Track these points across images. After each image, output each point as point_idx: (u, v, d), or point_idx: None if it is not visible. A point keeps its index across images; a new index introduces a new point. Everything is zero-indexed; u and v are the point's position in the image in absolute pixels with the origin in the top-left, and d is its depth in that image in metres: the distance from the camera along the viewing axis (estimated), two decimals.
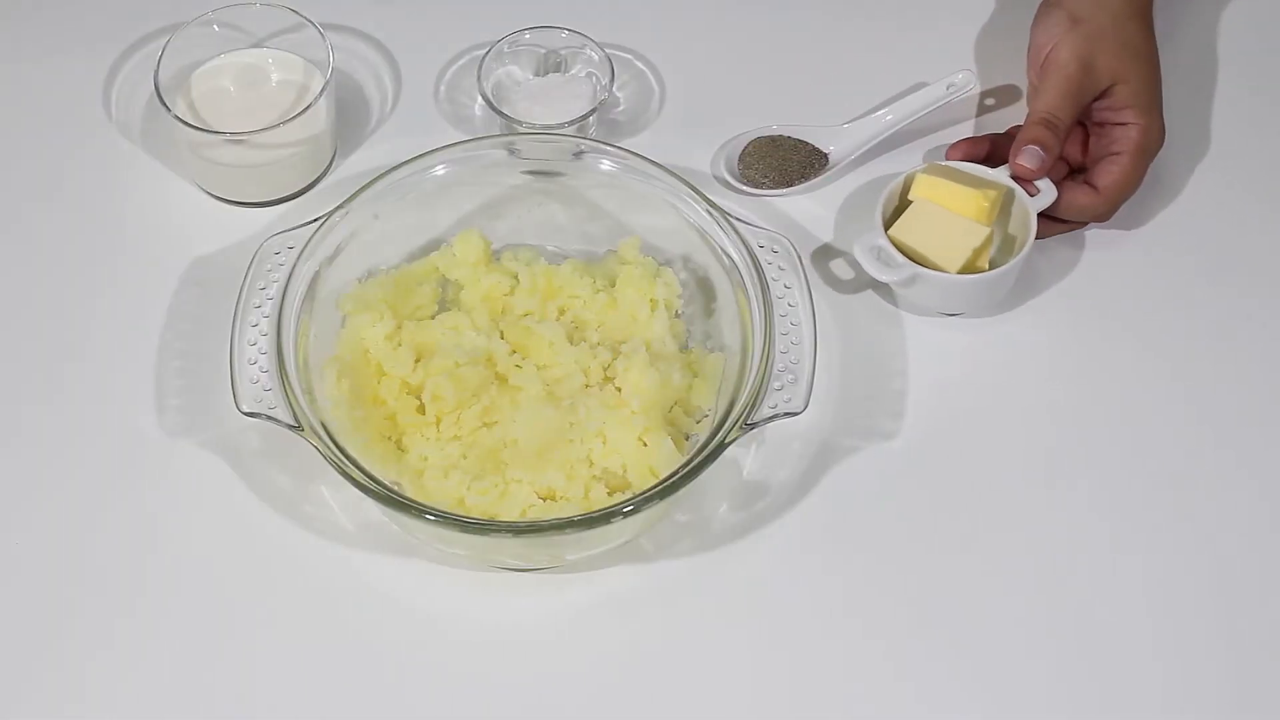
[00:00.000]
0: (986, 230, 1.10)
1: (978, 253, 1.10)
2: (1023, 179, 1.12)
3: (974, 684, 0.98)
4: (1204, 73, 1.26)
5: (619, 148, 1.09)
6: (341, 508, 1.04)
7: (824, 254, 1.16)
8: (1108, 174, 1.12)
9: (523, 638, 1.00)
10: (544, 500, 1.01)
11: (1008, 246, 1.13)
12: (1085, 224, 1.16)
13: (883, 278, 1.10)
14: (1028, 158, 1.11)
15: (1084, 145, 1.16)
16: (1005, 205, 1.13)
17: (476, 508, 0.99)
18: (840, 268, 1.14)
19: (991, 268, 1.11)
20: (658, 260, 1.11)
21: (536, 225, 1.14)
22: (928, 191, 1.12)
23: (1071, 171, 1.16)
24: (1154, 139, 1.14)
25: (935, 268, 1.10)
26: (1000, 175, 1.13)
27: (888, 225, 1.11)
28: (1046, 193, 1.12)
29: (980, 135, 1.17)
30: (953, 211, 1.10)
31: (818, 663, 0.99)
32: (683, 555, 1.03)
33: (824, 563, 1.03)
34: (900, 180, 1.13)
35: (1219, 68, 1.26)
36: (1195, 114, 1.23)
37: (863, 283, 1.13)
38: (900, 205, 1.13)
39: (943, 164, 1.14)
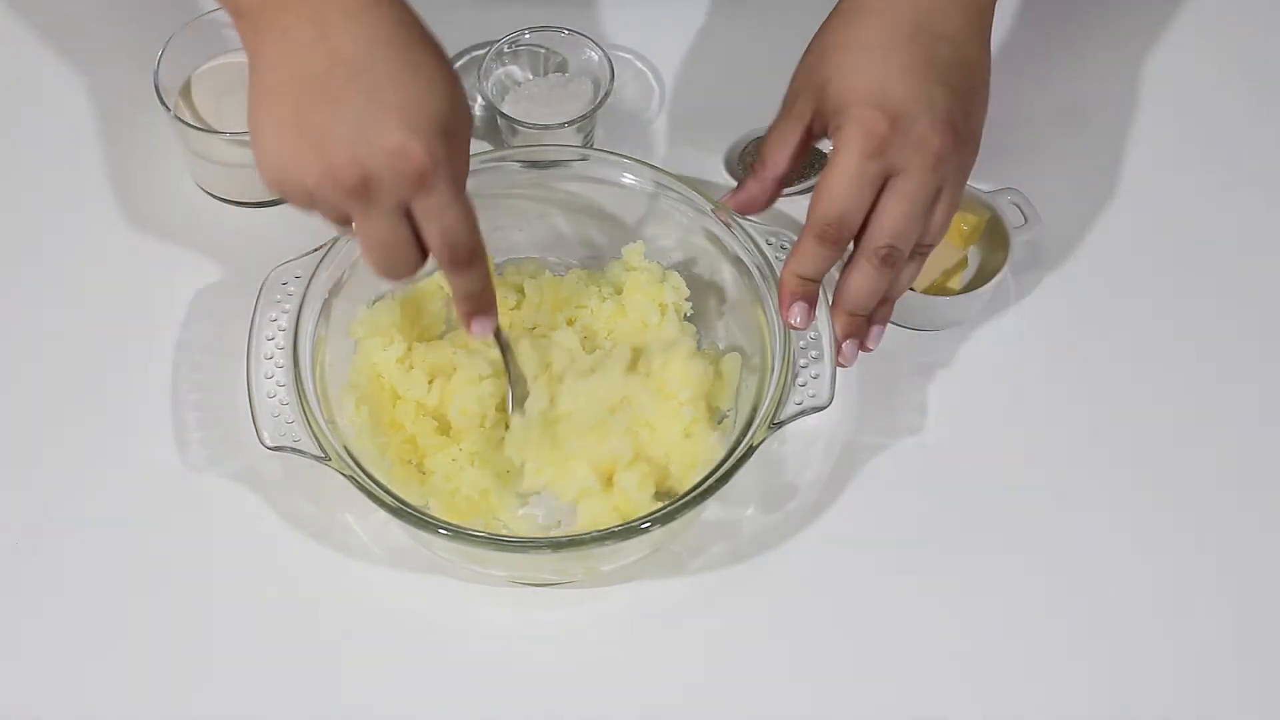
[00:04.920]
0: (960, 253, 1.11)
1: (947, 274, 1.11)
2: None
3: (1026, 684, 1.00)
4: (1190, 70, 1.28)
5: (619, 155, 1.09)
6: (366, 532, 1.04)
7: None
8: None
9: (560, 653, 1.01)
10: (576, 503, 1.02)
11: (985, 273, 1.14)
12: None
13: None
14: (796, 316, 1.00)
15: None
16: (989, 231, 1.13)
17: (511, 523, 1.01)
18: None
19: (965, 290, 1.12)
20: (663, 265, 1.11)
21: (538, 237, 1.14)
22: None
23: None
24: (858, 131, 0.95)
25: None
26: (991, 200, 1.13)
27: None
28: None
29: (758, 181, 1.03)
30: None
31: (863, 668, 1.00)
32: (716, 561, 1.03)
33: (863, 564, 1.04)
34: None
35: (1205, 64, 1.28)
36: (1176, 110, 1.25)
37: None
38: None
39: None
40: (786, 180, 1.03)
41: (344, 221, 0.92)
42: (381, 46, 0.88)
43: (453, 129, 0.89)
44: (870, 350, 1.02)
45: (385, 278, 0.93)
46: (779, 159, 1.00)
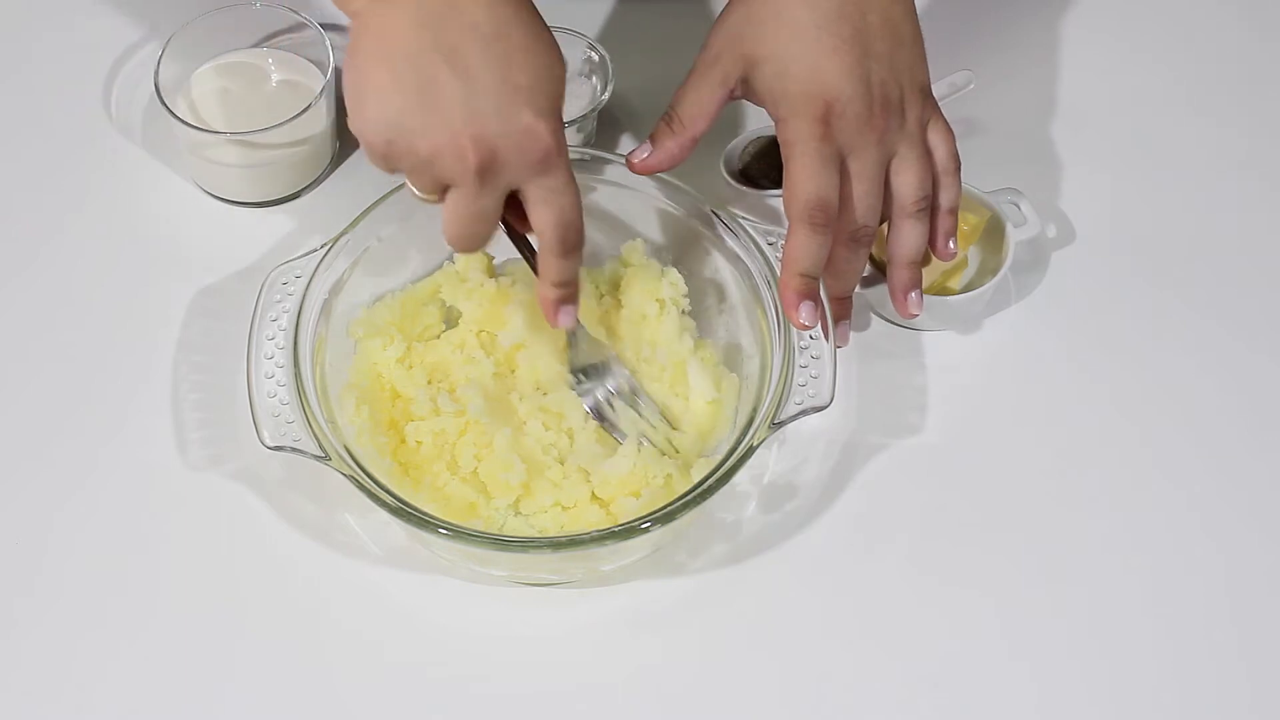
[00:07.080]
0: (960, 253, 1.11)
1: (947, 274, 1.11)
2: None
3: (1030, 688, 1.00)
4: (1191, 69, 1.28)
5: (618, 155, 1.08)
6: (366, 532, 1.04)
7: None
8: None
9: (560, 653, 1.01)
10: (567, 509, 1.01)
11: (985, 273, 1.14)
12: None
13: None
14: (805, 316, 1.00)
15: None
16: (989, 231, 1.13)
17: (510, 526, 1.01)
18: None
19: (965, 291, 1.12)
20: (662, 264, 1.10)
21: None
22: None
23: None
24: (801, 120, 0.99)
25: None
26: (991, 200, 1.13)
27: None
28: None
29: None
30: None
31: (863, 668, 1.00)
32: (716, 561, 1.03)
33: (863, 565, 1.04)
34: None
35: (1205, 63, 1.29)
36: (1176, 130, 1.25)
37: None
38: None
39: None
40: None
41: (436, 191, 0.92)
42: (511, 24, 0.90)
43: (560, 111, 0.92)
44: (954, 254, 1.06)
45: (458, 248, 0.94)
46: (700, 121, 1.03)
